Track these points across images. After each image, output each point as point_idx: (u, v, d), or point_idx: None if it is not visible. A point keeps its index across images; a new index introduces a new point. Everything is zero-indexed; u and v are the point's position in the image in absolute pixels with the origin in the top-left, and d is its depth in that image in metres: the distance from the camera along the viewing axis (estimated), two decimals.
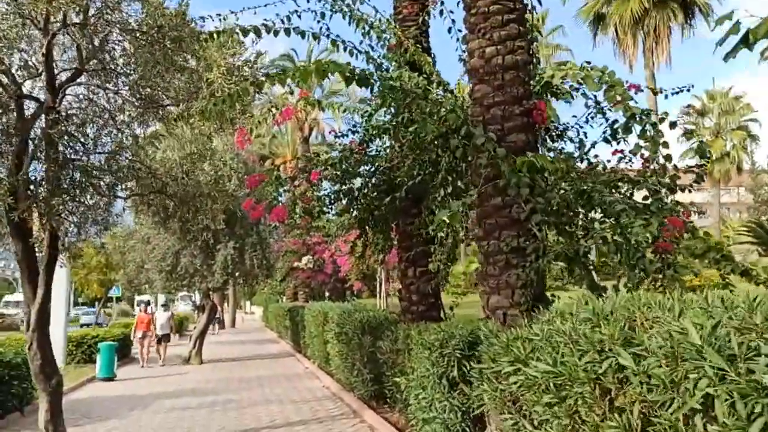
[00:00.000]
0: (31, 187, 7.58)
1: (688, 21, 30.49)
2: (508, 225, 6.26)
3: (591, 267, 5.66)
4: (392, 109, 8.10)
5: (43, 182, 7.55)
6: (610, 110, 6.23)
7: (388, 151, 9.18)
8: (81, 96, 8.10)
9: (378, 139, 8.76)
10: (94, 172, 7.25)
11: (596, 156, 6.61)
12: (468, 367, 6.63)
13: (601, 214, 5.84)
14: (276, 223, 21.30)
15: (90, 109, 7.60)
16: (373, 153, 10.02)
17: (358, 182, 10.53)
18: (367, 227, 10.96)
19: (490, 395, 5.04)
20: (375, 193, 9.79)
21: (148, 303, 22.48)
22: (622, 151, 6.00)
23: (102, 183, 7.34)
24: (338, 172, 10.16)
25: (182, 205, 7.96)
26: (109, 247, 24.77)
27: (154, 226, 17.91)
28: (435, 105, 7.13)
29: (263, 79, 5.63)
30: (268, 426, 9.81)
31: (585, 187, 5.62)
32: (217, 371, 17.77)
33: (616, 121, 5.90)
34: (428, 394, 7.02)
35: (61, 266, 11.03)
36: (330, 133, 9.59)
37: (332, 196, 10.52)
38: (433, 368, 6.85)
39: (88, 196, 7.30)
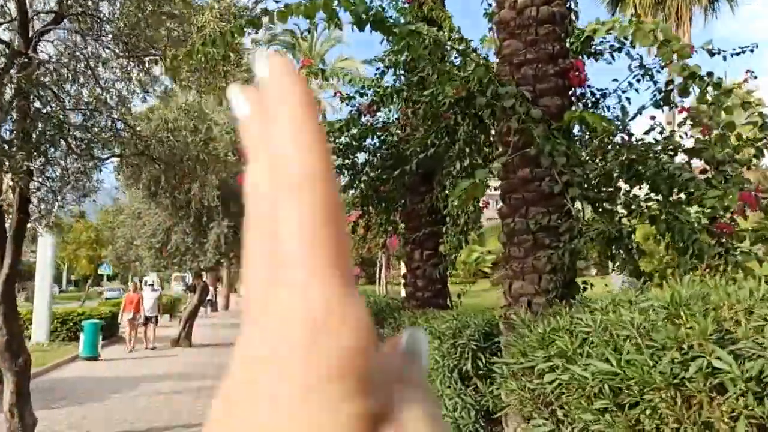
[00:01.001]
0: (5, 145, 6.79)
1: (712, 5, 29.30)
2: (537, 200, 5.47)
3: (634, 250, 4.87)
4: (404, 70, 7.31)
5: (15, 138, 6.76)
6: (659, 72, 5.43)
7: (397, 120, 8.36)
8: (60, 45, 7.29)
9: (388, 104, 7.93)
10: (69, 128, 6.43)
11: (643, 135, 5.83)
12: (483, 360, 5.89)
13: (648, 190, 5.05)
14: None
15: (68, 59, 6.78)
16: (380, 124, 9.23)
17: (362, 157, 9.76)
18: (370, 206, 10.18)
19: (517, 394, 4.27)
20: (381, 169, 9.00)
21: (152, 284, 20.99)
22: (688, 109, 5.16)
23: (77, 141, 6.52)
24: (340, 145, 9.40)
25: (168, 170, 7.12)
26: (99, 222, 24.02)
27: (144, 201, 17.14)
28: (454, 67, 6.33)
29: (261, 17, 4.81)
30: None
31: (633, 157, 4.82)
32: (206, 355, 16.99)
33: (671, 81, 5.10)
34: (437, 389, 6.25)
35: (41, 235, 10.20)
36: (335, 95, 8.75)
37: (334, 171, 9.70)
38: (444, 360, 6.09)
39: (59, 154, 6.46)
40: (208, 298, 33.94)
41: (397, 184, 8.69)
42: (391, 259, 20.01)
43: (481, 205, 8.38)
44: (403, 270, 20.97)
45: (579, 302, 4.27)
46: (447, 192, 7.64)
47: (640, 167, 4.85)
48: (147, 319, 18.36)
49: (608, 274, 9.05)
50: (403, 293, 18.97)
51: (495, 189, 8.58)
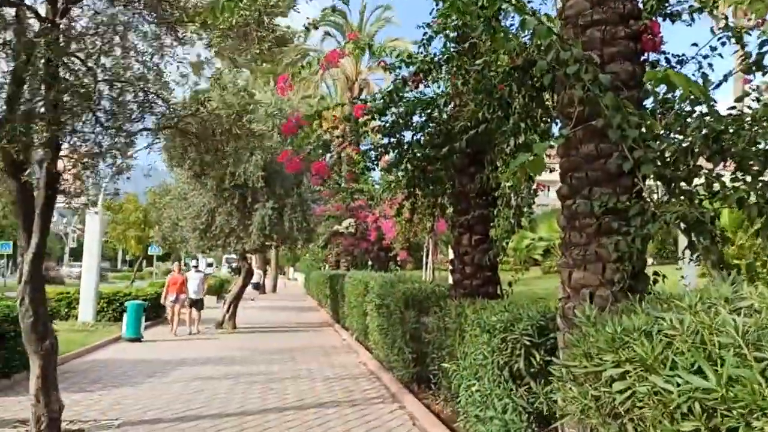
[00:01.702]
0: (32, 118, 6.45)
1: None
2: (603, 180, 4.83)
3: (718, 237, 4.21)
4: (454, 37, 6.70)
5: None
6: (749, 33, 4.70)
7: (446, 94, 7.74)
8: (89, 12, 6.90)
9: (435, 75, 7.33)
10: (97, 99, 6.04)
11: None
12: (537, 358, 5.29)
13: (735, 169, 4.35)
14: (319, 187, 20.13)
15: (96, 27, 6.38)
16: (428, 98, 8.64)
17: (408, 136, 9.19)
18: (416, 188, 9.61)
19: (579, 402, 3.69)
20: (428, 147, 8.41)
21: (196, 265, 20.64)
22: None
23: (106, 113, 6.13)
24: (386, 123, 8.86)
25: (200, 143, 6.68)
26: (147, 202, 24.07)
27: (189, 181, 16.95)
28: (510, 32, 5.68)
29: None
30: (294, 406, 8.63)
31: (721, 128, 4.13)
32: (250, 339, 16.76)
33: (766, 41, 4.38)
34: (484, 387, 5.70)
35: (76, 214, 9.87)
36: (378, 65, 8.18)
37: (379, 150, 9.20)
38: (493, 356, 5.52)
39: (87, 128, 6.07)
40: (256, 280, 34.04)
41: (445, 163, 8.10)
42: (439, 243, 19.45)
43: (535, 186, 7.75)
44: (451, 255, 20.39)
45: (655, 297, 3.64)
46: (499, 171, 7.02)
47: (728, 142, 4.17)
48: (192, 302, 17.97)
49: (674, 263, 8.31)
50: (450, 280, 18.35)
51: (550, 171, 7.96)
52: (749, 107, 4.22)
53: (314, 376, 11.01)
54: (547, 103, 6.62)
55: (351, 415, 8.15)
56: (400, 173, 10.49)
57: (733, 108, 4.29)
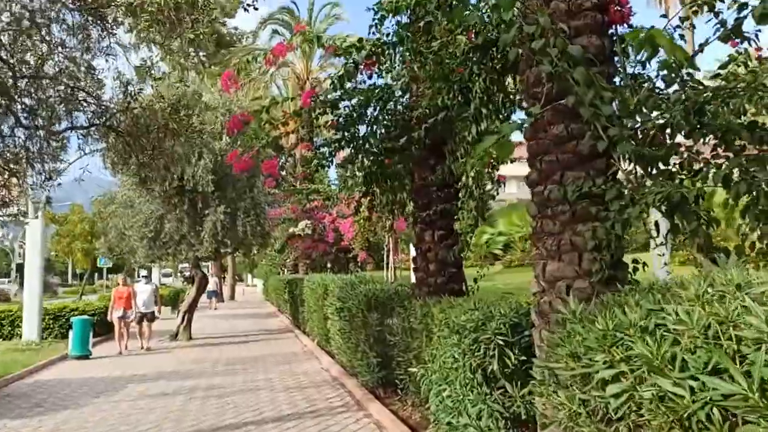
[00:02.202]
0: None
1: None
2: (575, 163, 4.46)
3: (704, 219, 3.87)
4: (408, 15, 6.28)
5: None
6: (721, 1, 4.38)
7: (400, 81, 7.32)
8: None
9: (388, 59, 6.90)
10: (16, 95, 5.44)
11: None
12: (512, 359, 4.91)
13: (717, 144, 4.03)
14: (273, 189, 19.54)
15: (12, 17, 5.77)
16: (382, 87, 8.23)
17: (363, 130, 8.77)
18: (374, 184, 9.19)
19: (567, 409, 3.30)
20: (384, 140, 8.00)
21: (147, 275, 18.78)
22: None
23: (26, 111, 5.53)
24: (338, 117, 8.44)
25: (134, 142, 6.12)
26: (93, 212, 23.11)
27: (135, 188, 16.21)
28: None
29: None
30: (253, 421, 8.10)
31: (707, 96, 3.79)
32: (206, 350, 16.10)
33: (744, 5, 4.05)
34: (456, 392, 5.28)
35: (33, 224, 9.24)
36: (327, 51, 7.72)
37: (333, 146, 8.74)
38: (464, 358, 5.11)
39: (5, 129, 5.47)
40: (212, 288, 33.16)
41: (403, 156, 7.70)
42: (400, 242, 19.03)
43: (497, 174, 7.41)
44: (413, 253, 19.98)
45: (648, 288, 3.27)
46: (462, 161, 6.62)
47: (709, 115, 3.84)
48: (142, 316, 16.48)
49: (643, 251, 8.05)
50: (413, 279, 17.92)
51: (510, 162, 7.60)
52: (733, 73, 3.88)
53: (274, 387, 10.48)
54: (509, 87, 6.27)
55: (313, 428, 7.66)
56: (356, 170, 10.07)
57: (718, 76, 3.94)
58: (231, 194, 16.74)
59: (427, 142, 7.18)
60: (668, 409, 2.34)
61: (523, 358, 4.87)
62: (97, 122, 5.87)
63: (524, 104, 5.09)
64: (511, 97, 6.44)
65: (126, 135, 6.04)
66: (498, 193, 7.44)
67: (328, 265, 23.46)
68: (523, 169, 5.02)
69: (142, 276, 17.60)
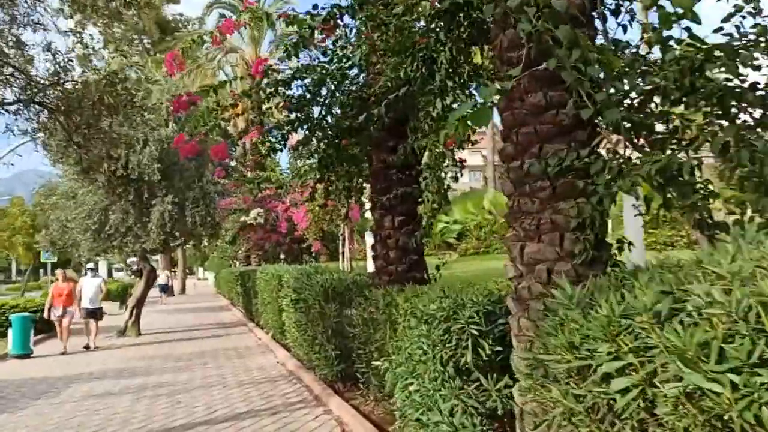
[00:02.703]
0: None
1: None
2: (554, 134, 4.09)
3: (702, 192, 3.54)
4: None
5: None
6: None
7: (359, 53, 6.84)
8: None
9: (346, 31, 6.44)
10: None
11: None
12: (487, 350, 4.52)
13: (711, 110, 3.69)
14: (222, 179, 18.86)
15: None
16: (338, 58, 7.77)
17: (317, 111, 8.30)
18: (329, 168, 8.72)
19: (559, 405, 2.92)
20: (340, 119, 7.52)
21: (93, 268, 16.79)
22: None
23: None
24: (291, 98, 7.96)
25: (66, 120, 5.51)
26: (34, 205, 22.04)
27: (77, 178, 15.36)
28: None
29: None
30: (205, 420, 7.57)
31: (701, 57, 3.43)
32: (155, 346, 15.39)
33: None
34: (426, 387, 4.87)
35: None
36: (278, 18, 7.22)
37: (286, 128, 8.24)
38: (434, 351, 4.70)
39: None
40: (163, 282, 32.17)
41: (361, 136, 7.25)
42: (354, 231, 18.55)
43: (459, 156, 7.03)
44: (369, 242, 19.46)
45: (658, 267, 2.89)
46: (427, 140, 6.20)
47: (705, 77, 3.49)
48: (89, 313, 15.26)
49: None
50: (370, 268, 17.43)
51: (462, 149, 7.23)
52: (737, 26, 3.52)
53: (228, 383, 9.94)
54: (474, 60, 5.87)
55: (270, 426, 7.18)
56: (310, 154, 9.59)
57: (720, 30, 3.59)
58: (179, 184, 16.03)
59: (387, 120, 6.72)
60: (700, 409, 1.96)
61: (498, 348, 4.50)
62: (24, 98, 5.24)
63: (496, 74, 4.70)
64: (478, 70, 6.06)
65: (56, 111, 5.42)
66: (461, 175, 7.07)
67: (281, 256, 22.84)
68: (475, 158, 4.63)
69: (88, 269, 16.29)
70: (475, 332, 4.44)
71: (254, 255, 25.47)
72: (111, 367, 11.98)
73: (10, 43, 5.73)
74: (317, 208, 15.50)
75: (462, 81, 5.83)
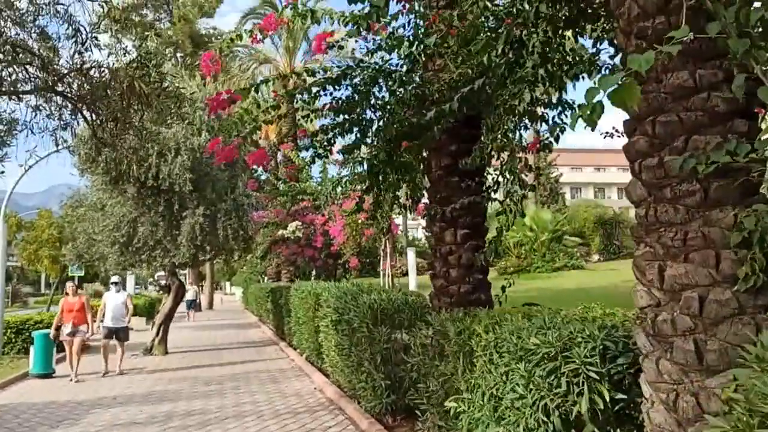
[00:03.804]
0: None
1: None
2: (706, 123, 3.21)
3: None
4: None
5: None
6: None
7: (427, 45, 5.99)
8: None
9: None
10: None
11: None
12: (606, 397, 3.58)
13: None
14: (254, 192, 18.16)
15: None
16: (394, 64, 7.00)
17: (369, 114, 7.52)
18: (381, 176, 7.90)
19: None
20: (402, 121, 6.65)
21: (116, 282, 14.58)
22: None
23: None
24: (338, 100, 7.21)
25: (90, 111, 4.72)
26: (62, 217, 21.53)
27: (105, 188, 14.72)
28: None
29: None
30: None
31: None
32: (184, 365, 14.59)
33: None
34: None
35: None
36: (323, 16, 6.46)
37: (334, 131, 7.46)
38: (534, 395, 3.78)
39: None
40: (191, 298, 31.51)
41: (423, 137, 6.38)
42: (397, 246, 17.64)
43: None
44: (410, 258, 18.52)
45: None
46: (505, 139, 5.29)
47: None
48: (111, 333, 13.69)
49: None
50: (412, 285, 16.53)
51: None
52: None
53: (262, 412, 9.07)
54: (566, 38, 4.97)
55: None
56: (356, 162, 8.80)
57: None
58: (211, 195, 15.28)
59: (461, 114, 5.80)
60: None
61: (620, 397, 3.55)
62: (41, 86, 4.46)
63: (624, 50, 3.81)
64: (567, 57, 5.17)
65: (79, 102, 4.63)
66: (538, 183, 6.13)
67: (313, 273, 21.98)
68: None
69: (112, 283, 14.53)
70: (594, 376, 3.51)
71: (285, 270, 24.68)
72: (137, 392, 11.17)
73: (33, 32, 4.97)
74: (356, 222, 14.67)
75: (549, 72, 4.94)
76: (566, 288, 16.00)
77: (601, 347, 3.64)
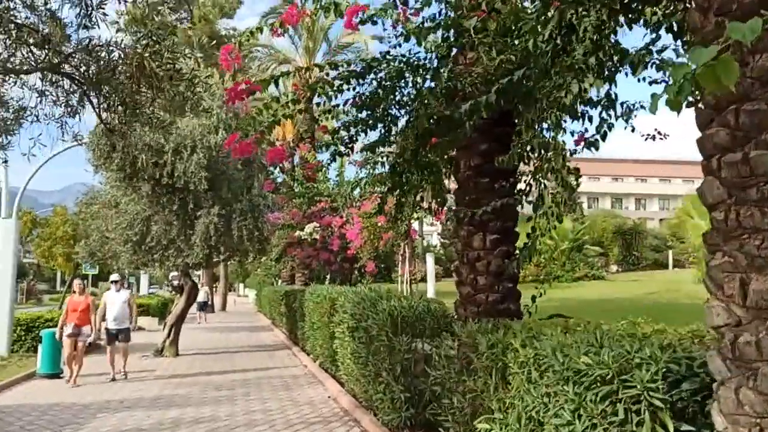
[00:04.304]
0: None
1: None
2: None
3: None
4: None
5: None
6: None
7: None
8: None
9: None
10: None
11: None
12: (670, 428, 3.12)
13: None
14: (271, 193, 17.80)
15: None
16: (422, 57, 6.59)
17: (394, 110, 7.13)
18: (404, 176, 7.50)
19: None
20: (434, 115, 6.20)
21: (117, 280, 13.27)
22: None
23: None
24: (362, 96, 6.84)
25: (92, 90, 4.32)
26: (77, 214, 21.30)
27: (119, 185, 14.41)
28: None
29: None
30: None
31: None
32: (194, 369, 14.21)
33: None
34: None
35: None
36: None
37: (356, 128, 7.07)
38: (584, 423, 3.32)
39: None
40: (203, 299, 31.15)
41: (455, 134, 5.93)
42: (415, 251, 17.17)
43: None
44: (429, 263, 18.05)
45: None
46: (550, 134, 4.83)
47: None
48: (113, 335, 12.61)
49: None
50: (430, 292, 16.03)
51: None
52: None
53: (274, 421, 8.63)
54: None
55: None
56: (376, 162, 8.40)
57: None
58: (226, 194, 14.93)
59: (489, 115, 5.37)
60: None
61: (687, 428, 3.08)
62: (42, 65, 4.08)
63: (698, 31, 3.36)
64: (620, 48, 4.71)
65: (85, 83, 4.24)
66: (580, 182, 5.69)
67: (327, 277, 21.55)
68: None
69: (111, 282, 13.17)
70: (658, 403, 3.04)
71: (299, 273, 24.28)
72: (145, 395, 10.79)
73: (44, 16, 4.59)
74: (374, 225, 14.24)
75: (599, 60, 4.49)
76: (588, 299, 15.50)
77: (663, 370, 3.18)
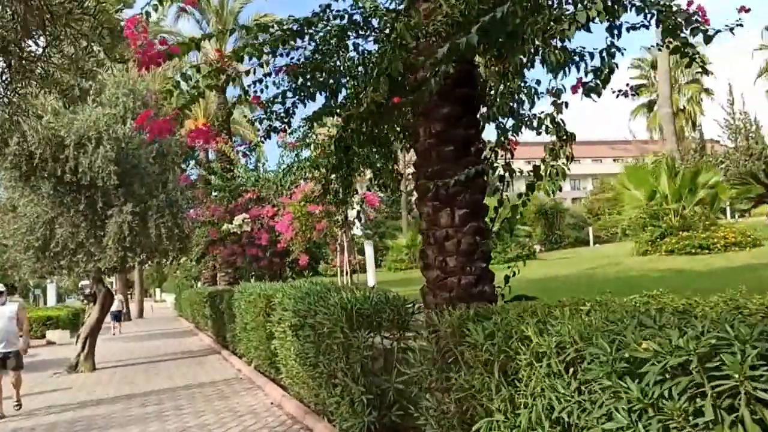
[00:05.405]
0: None
1: None
2: None
3: None
4: None
5: None
6: None
7: None
8: None
9: None
10: None
11: None
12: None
13: None
14: (187, 186, 16.54)
15: None
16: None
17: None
18: (348, 152, 6.68)
19: None
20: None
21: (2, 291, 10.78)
22: None
23: None
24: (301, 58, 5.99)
25: None
26: None
27: (16, 185, 12.88)
28: None
29: None
30: None
31: None
32: (114, 383, 12.89)
33: None
34: None
35: None
36: None
37: (299, 94, 6.19)
38: (649, 423, 2.58)
39: None
40: (117, 308, 29.12)
41: (418, 94, 5.11)
42: (355, 239, 16.28)
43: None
44: (368, 252, 17.19)
45: None
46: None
47: None
48: (2, 360, 10.32)
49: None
50: (371, 282, 15.18)
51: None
52: None
53: None
54: None
55: None
56: (313, 143, 7.54)
57: None
58: (140, 190, 13.61)
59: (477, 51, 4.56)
60: None
61: None
62: None
63: None
64: None
65: None
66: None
67: (252, 274, 20.34)
68: None
69: None
70: (764, 395, 2.33)
71: (222, 273, 22.95)
72: (59, 418, 9.50)
73: None
74: (305, 215, 13.29)
75: None
76: (533, 278, 15.06)
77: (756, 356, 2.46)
